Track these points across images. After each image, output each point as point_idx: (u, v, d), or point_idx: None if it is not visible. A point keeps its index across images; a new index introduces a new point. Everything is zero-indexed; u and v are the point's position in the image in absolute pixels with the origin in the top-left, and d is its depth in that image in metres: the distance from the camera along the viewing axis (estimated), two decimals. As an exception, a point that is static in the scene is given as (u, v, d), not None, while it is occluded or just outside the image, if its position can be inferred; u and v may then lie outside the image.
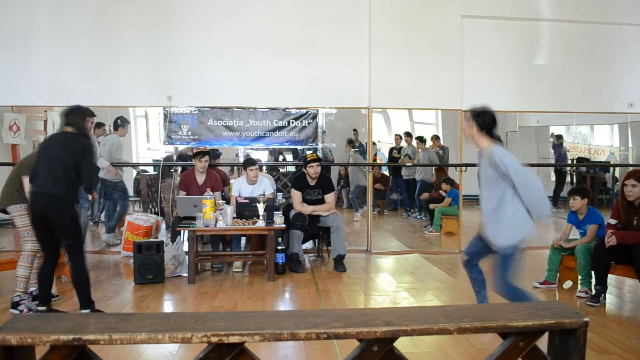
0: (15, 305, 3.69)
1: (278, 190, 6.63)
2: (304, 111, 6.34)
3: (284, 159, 8.49)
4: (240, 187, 5.49)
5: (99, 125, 6.39)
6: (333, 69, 6.18)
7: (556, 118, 8.10)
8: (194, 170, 5.53)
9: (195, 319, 1.33)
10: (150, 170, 7.51)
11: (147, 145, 7.94)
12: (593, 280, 4.24)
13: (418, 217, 8.25)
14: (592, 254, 4.17)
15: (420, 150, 8.18)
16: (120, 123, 6.46)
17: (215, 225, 4.82)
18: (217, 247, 5.39)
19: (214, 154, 6.32)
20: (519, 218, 2.91)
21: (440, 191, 7.67)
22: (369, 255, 6.17)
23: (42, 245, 3.55)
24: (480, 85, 6.33)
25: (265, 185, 5.48)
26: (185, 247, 5.09)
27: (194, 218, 4.90)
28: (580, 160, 8.81)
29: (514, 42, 6.46)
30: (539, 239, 7.12)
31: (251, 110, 6.31)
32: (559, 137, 8.44)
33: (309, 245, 6.11)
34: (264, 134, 6.33)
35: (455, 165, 6.89)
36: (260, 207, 4.94)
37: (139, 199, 7.46)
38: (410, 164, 8.21)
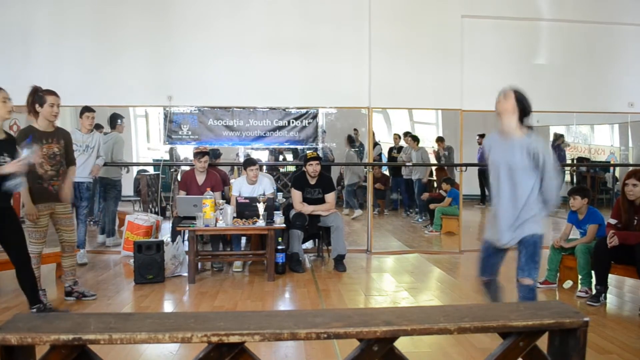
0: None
1: (278, 190, 6.63)
2: (304, 111, 6.34)
3: (284, 159, 8.49)
4: (240, 187, 5.49)
5: (98, 127, 6.36)
6: (333, 69, 6.18)
7: (556, 118, 8.09)
8: (194, 170, 5.53)
9: (195, 318, 1.33)
10: (151, 170, 7.51)
11: (147, 145, 7.94)
12: (593, 280, 4.24)
13: (419, 219, 8.22)
14: (592, 253, 4.17)
15: (412, 150, 8.18)
16: (119, 121, 6.45)
17: (215, 225, 4.82)
18: (217, 246, 5.39)
19: (214, 154, 6.32)
20: (542, 211, 2.85)
21: (441, 191, 7.68)
22: (369, 255, 6.17)
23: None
24: (480, 85, 6.32)
25: (265, 185, 5.48)
26: (186, 247, 5.09)
27: (194, 218, 4.90)
28: (581, 160, 8.80)
29: (514, 42, 6.46)
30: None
31: (251, 110, 6.31)
32: (561, 136, 8.42)
33: (309, 245, 6.11)
34: (264, 133, 6.33)
35: (455, 165, 6.90)
36: (260, 207, 4.94)
37: (139, 198, 7.46)
38: (410, 164, 8.21)
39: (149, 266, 4.67)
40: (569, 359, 1.38)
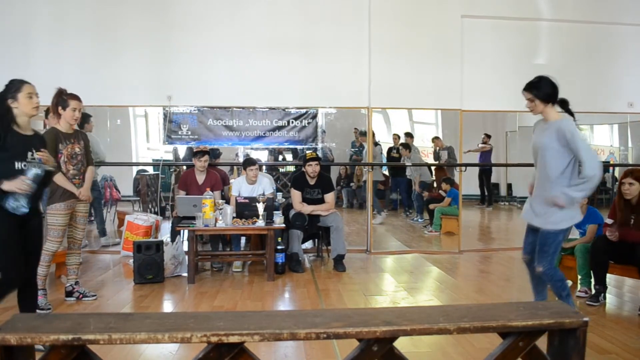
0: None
1: (278, 190, 6.63)
2: (303, 111, 6.34)
3: (284, 159, 8.50)
4: (240, 186, 5.49)
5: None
6: (333, 69, 6.18)
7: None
8: (194, 169, 5.53)
9: (195, 318, 1.33)
10: (150, 170, 7.51)
11: (147, 145, 7.94)
12: (592, 280, 4.24)
13: (420, 220, 8.21)
14: (589, 253, 4.18)
15: (406, 157, 8.19)
16: (86, 119, 6.36)
17: (215, 225, 4.82)
18: (217, 247, 5.39)
19: (214, 154, 6.32)
20: (577, 194, 2.98)
21: (440, 191, 7.68)
22: (369, 255, 6.17)
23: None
24: (480, 85, 6.33)
25: (265, 185, 5.48)
26: (185, 247, 5.09)
27: (193, 218, 4.90)
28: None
29: (513, 42, 6.46)
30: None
31: (251, 110, 6.31)
32: None
33: (308, 245, 6.11)
34: (264, 133, 6.33)
35: (455, 165, 6.89)
36: (260, 207, 4.94)
37: (138, 198, 7.46)
38: (410, 164, 8.21)
39: (149, 266, 4.67)
40: (568, 359, 1.38)
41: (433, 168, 8.31)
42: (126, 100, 6.23)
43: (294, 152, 8.03)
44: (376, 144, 7.63)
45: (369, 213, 6.43)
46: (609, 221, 4.11)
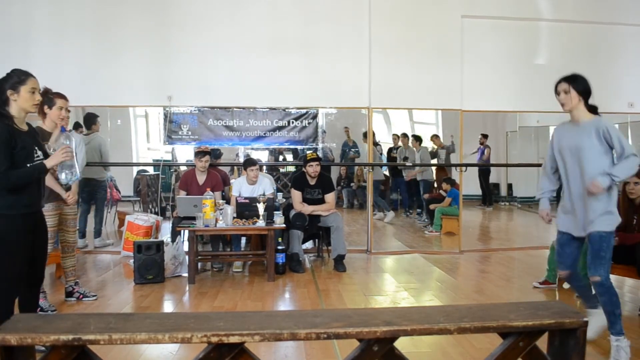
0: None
1: (278, 190, 6.62)
2: (304, 111, 6.34)
3: (284, 159, 8.50)
4: (240, 187, 5.49)
5: (77, 126, 6.28)
6: (333, 69, 6.17)
7: (556, 118, 8.08)
8: (195, 170, 5.53)
9: (195, 319, 1.33)
10: (150, 170, 7.51)
11: (147, 145, 7.94)
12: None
13: (425, 219, 8.18)
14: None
15: (415, 149, 8.18)
16: (93, 120, 6.34)
17: (215, 225, 4.82)
18: (217, 247, 5.39)
19: (215, 154, 6.31)
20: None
21: (441, 191, 7.67)
22: (369, 255, 6.17)
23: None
24: (480, 85, 6.33)
25: (265, 185, 5.48)
26: (185, 247, 5.09)
27: (194, 218, 4.90)
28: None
29: (513, 42, 6.45)
30: (539, 239, 7.12)
31: (251, 110, 6.30)
32: None
33: (309, 245, 6.10)
34: (264, 134, 6.33)
35: (455, 165, 6.89)
36: (260, 207, 4.94)
37: (139, 199, 7.46)
38: (410, 164, 8.21)
39: (149, 266, 4.67)
40: (568, 359, 1.38)
41: (433, 168, 8.31)
42: (126, 100, 6.23)
43: (295, 152, 8.02)
44: (376, 144, 7.63)
45: (369, 213, 6.43)
46: None
